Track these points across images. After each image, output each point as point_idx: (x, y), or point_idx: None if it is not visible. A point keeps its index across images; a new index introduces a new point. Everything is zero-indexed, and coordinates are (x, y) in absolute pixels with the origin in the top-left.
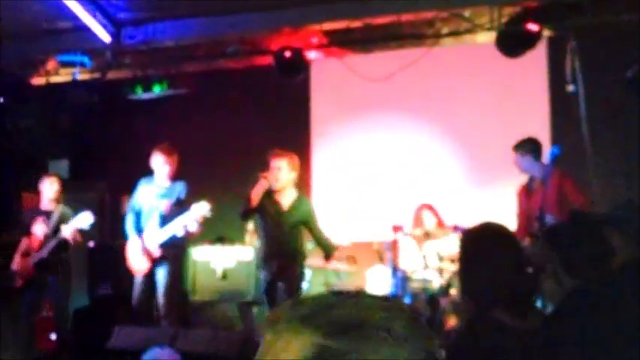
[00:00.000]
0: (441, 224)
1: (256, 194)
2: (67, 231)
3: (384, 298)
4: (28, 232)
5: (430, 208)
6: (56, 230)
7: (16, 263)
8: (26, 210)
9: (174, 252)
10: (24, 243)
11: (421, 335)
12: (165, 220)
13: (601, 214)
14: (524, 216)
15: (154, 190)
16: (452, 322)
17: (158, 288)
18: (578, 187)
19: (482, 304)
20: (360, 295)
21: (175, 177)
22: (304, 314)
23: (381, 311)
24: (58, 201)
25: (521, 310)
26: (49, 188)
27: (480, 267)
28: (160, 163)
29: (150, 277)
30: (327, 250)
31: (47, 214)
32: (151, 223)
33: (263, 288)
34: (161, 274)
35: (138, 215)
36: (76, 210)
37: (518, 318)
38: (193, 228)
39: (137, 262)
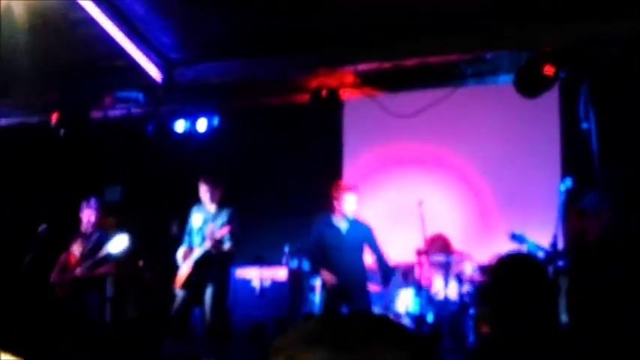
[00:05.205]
0: (455, 251)
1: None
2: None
3: (387, 318)
4: (67, 250)
5: (442, 237)
6: (94, 250)
7: (53, 276)
8: (69, 231)
9: (218, 271)
10: (63, 258)
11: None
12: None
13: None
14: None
15: (203, 215)
16: (484, 329)
17: (206, 304)
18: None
19: (506, 325)
20: (363, 314)
21: (223, 203)
22: (313, 330)
23: (390, 331)
24: (96, 226)
25: (541, 335)
26: (87, 215)
27: (511, 292)
28: (202, 190)
29: (188, 291)
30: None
31: (85, 237)
32: (195, 243)
33: None
34: (208, 292)
35: (190, 237)
36: (129, 232)
37: (536, 342)
38: (225, 247)
39: (179, 276)
